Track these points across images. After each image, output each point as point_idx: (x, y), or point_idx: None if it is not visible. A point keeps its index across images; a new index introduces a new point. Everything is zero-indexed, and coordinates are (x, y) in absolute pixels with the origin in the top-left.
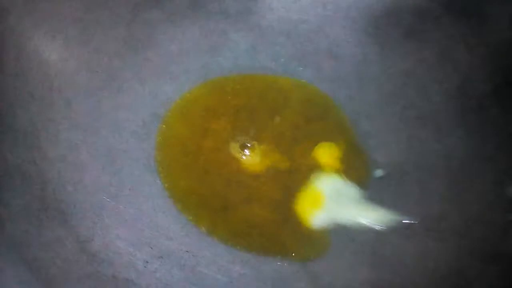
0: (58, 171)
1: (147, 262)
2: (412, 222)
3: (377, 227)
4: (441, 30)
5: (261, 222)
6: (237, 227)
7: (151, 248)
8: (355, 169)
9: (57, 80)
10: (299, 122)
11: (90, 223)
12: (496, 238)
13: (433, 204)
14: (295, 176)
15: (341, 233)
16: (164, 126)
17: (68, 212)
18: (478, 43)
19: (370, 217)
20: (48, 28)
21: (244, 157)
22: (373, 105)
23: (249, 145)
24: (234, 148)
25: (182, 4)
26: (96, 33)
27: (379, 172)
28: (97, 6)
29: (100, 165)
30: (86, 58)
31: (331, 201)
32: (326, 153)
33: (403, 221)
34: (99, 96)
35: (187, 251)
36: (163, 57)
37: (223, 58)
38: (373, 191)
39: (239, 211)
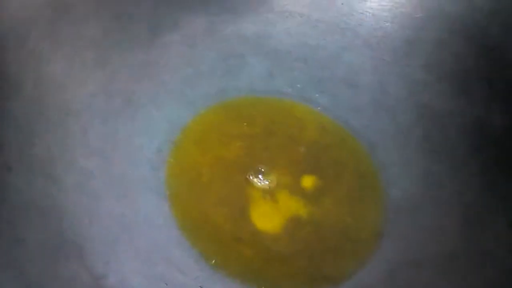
0: (74, 202)
1: None
2: None
3: None
4: (460, 63)
5: (275, 255)
6: (250, 260)
7: (166, 284)
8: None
9: (74, 104)
10: (313, 150)
11: (105, 257)
12: (508, 282)
13: (445, 241)
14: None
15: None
16: (178, 153)
17: (84, 246)
18: (496, 78)
19: None
20: (66, 51)
21: (259, 184)
22: (388, 136)
23: (261, 174)
24: (247, 176)
25: (199, 27)
26: (113, 56)
27: None
28: (115, 29)
29: (114, 195)
30: (103, 82)
31: None
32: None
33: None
34: (115, 121)
35: (200, 287)
36: (180, 81)
37: (239, 82)
38: (385, 225)
39: (254, 243)
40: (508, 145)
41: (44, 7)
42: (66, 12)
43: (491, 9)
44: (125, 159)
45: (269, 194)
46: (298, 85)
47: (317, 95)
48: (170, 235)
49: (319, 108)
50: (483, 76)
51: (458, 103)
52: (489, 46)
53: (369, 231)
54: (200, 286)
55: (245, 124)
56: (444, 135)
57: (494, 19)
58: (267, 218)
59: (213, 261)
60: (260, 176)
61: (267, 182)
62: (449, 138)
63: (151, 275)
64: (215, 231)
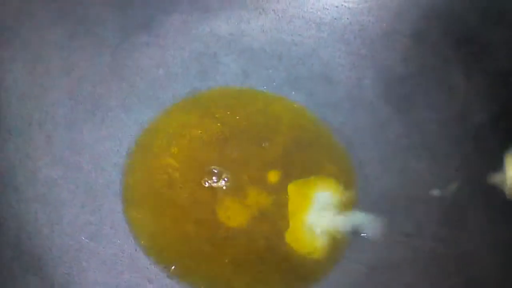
0: (35, 213)
1: None
2: None
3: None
4: (439, 55)
5: (247, 259)
6: (221, 264)
7: None
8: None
9: (37, 113)
10: (290, 149)
11: (66, 268)
12: (488, 283)
13: (425, 241)
14: (284, 209)
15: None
16: (148, 156)
17: (44, 258)
18: (476, 71)
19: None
20: (28, 58)
21: (224, 188)
22: (366, 132)
23: (215, 176)
24: (217, 179)
25: (171, 27)
26: (80, 61)
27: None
28: (82, 32)
29: (80, 203)
30: (68, 88)
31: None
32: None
33: None
34: (81, 127)
35: None
36: (150, 83)
37: (213, 82)
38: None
39: (224, 245)
40: (488, 139)
41: (5, 13)
42: (28, 19)
43: None
44: (92, 166)
45: (236, 193)
46: (274, 83)
47: (293, 92)
48: (137, 243)
49: (295, 105)
50: (462, 69)
51: (438, 97)
52: (467, 38)
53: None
54: None
55: (218, 124)
56: (424, 130)
57: (472, 9)
58: (235, 217)
59: (173, 267)
60: (214, 178)
61: (223, 183)
62: (428, 133)
63: (115, 284)
64: (185, 236)
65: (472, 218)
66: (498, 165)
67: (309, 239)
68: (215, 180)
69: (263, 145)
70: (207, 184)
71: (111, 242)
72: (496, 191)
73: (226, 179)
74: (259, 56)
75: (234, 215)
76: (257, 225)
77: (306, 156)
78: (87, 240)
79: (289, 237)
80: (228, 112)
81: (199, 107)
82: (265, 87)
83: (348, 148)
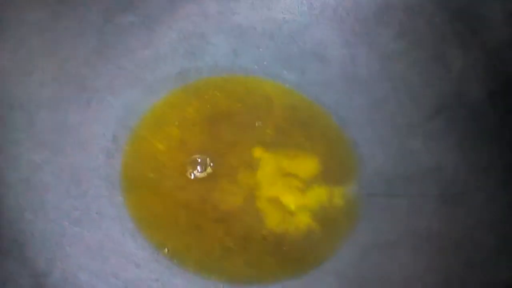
0: (17, 197)
1: None
2: None
3: None
4: (434, 30)
5: (238, 242)
6: (210, 249)
7: (116, 278)
8: (340, 182)
9: (19, 96)
10: (283, 129)
11: (49, 253)
12: (485, 262)
13: (421, 221)
14: (273, 188)
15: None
16: (135, 139)
17: (25, 243)
18: (472, 44)
19: None
20: (10, 40)
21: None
22: (361, 111)
23: (211, 164)
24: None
25: (158, 6)
26: (64, 42)
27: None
28: (65, 13)
29: (64, 187)
30: (52, 70)
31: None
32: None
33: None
34: (66, 110)
35: (156, 280)
36: (137, 64)
37: (202, 63)
38: (358, 205)
39: (214, 230)
40: (486, 116)
41: None
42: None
43: None
44: (77, 149)
45: (225, 176)
46: (265, 63)
47: (285, 71)
48: (125, 227)
49: (287, 85)
50: (458, 43)
51: (433, 73)
52: (463, 11)
53: (342, 213)
54: (156, 279)
55: (208, 105)
56: (419, 108)
57: None
58: (225, 200)
59: (166, 250)
60: (199, 167)
61: (209, 170)
62: (424, 111)
63: (100, 269)
64: (173, 220)
65: (469, 197)
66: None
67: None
68: (200, 170)
69: (256, 124)
70: (192, 176)
71: (96, 227)
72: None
73: (211, 164)
74: (249, 35)
75: (223, 198)
76: (248, 206)
77: (298, 136)
78: (71, 226)
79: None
80: (218, 94)
81: (188, 88)
82: (256, 67)
83: (342, 128)
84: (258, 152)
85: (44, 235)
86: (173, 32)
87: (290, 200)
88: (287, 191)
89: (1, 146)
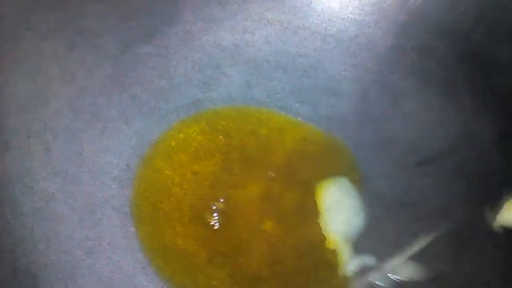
0: (31, 228)
1: None
2: None
3: None
4: (445, 70)
5: (248, 277)
6: (221, 285)
7: None
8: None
9: (36, 125)
10: (294, 162)
11: (62, 285)
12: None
13: (429, 263)
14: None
15: None
16: (147, 170)
17: (39, 275)
18: (483, 87)
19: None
20: (28, 69)
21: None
22: (371, 147)
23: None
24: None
25: (174, 37)
26: (80, 71)
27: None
28: (82, 43)
29: (78, 217)
30: (68, 99)
31: None
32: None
33: None
34: (81, 139)
35: None
36: (152, 94)
37: (216, 94)
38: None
39: (225, 266)
40: (494, 158)
41: (3, 24)
42: (27, 30)
43: (475, 13)
44: (91, 178)
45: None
46: (278, 95)
47: (297, 105)
48: (136, 259)
49: (299, 118)
50: (469, 83)
51: (444, 113)
52: (474, 53)
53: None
54: None
55: (220, 136)
56: (429, 148)
57: (478, 23)
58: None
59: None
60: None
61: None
62: (434, 150)
63: None
64: (185, 254)
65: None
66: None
67: None
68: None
69: (268, 157)
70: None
71: (108, 258)
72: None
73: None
74: (263, 68)
75: (235, 232)
76: (259, 241)
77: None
78: (84, 257)
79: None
80: (231, 125)
81: (202, 119)
82: (269, 99)
83: (353, 163)
84: (269, 186)
85: (57, 267)
86: (188, 63)
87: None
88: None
89: (16, 175)
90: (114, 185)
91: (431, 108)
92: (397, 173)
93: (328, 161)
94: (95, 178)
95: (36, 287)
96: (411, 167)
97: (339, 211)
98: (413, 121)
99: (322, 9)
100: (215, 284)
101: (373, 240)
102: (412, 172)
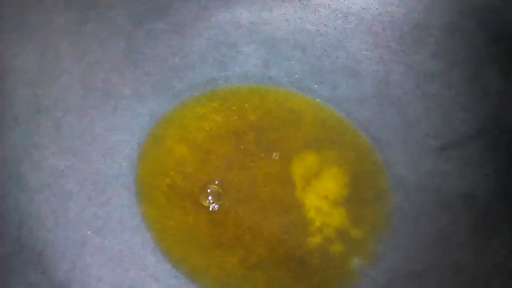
0: (38, 205)
1: None
2: None
3: None
4: (472, 50)
5: (261, 261)
6: (232, 268)
7: None
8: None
9: (46, 100)
10: (310, 146)
11: (69, 264)
12: None
13: (450, 251)
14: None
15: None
16: (159, 149)
17: (45, 252)
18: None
19: None
20: (37, 43)
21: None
22: (393, 130)
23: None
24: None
25: (189, 14)
26: (92, 46)
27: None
28: (95, 17)
29: (87, 195)
30: (79, 75)
31: None
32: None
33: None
34: (92, 116)
35: None
36: (166, 71)
37: (231, 73)
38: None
39: (236, 248)
40: None
41: None
42: (36, 3)
43: None
44: (101, 156)
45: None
46: (296, 75)
47: (316, 86)
48: (146, 238)
49: (318, 99)
50: (497, 67)
51: (470, 96)
52: (504, 33)
53: (368, 237)
54: None
55: (235, 117)
56: (454, 132)
57: (509, 1)
58: (248, 215)
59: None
60: (210, 197)
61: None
62: (459, 134)
63: (120, 282)
64: (195, 235)
65: (502, 229)
66: None
67: None
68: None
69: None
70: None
71: (117, 237)
72: None
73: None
74: (281, 47)
75: (246, 214)
76: (272, 224)
77: (326, 154)
78: (92, 235)
79: None
80: (246, 105)
81: (216, 98)
82: (286, 79)
83: (374, 147)
84: (284, 168)
85: (65, 244)
86: (203, 40)
87: (316, 219)
88: (313, 209)
89: (25, 150)
90: (124, 164)
91: (456, 90)
92: (419, 157)
93: (345, 147)
94: (105, 156)
95: (43, 263)
96: (434, 151)
97: None
98: (437, 104)
99: None
100: (227, 266)
101: (393, 226)
102: (435, 157)
